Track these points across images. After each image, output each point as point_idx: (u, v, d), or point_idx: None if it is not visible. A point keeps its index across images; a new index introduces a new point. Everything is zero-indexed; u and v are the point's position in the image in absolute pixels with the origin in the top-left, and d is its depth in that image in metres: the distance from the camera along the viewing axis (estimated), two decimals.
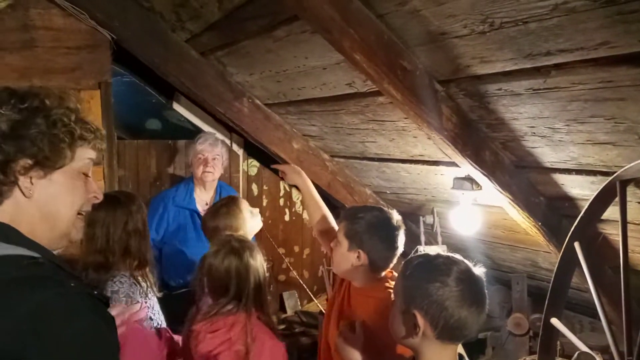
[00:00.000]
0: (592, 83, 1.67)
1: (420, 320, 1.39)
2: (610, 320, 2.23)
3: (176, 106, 3.75)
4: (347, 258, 2.07)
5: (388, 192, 3.73)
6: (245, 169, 3.96)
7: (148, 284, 2.20)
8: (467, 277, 1.39)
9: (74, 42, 3.13)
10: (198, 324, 1.96)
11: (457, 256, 1.45)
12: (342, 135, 3.20)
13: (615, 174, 1.96)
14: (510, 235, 3.20)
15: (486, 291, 1.43)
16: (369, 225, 2.11)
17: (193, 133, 3.74)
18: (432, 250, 3.10)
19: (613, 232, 2.49)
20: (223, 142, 3.58)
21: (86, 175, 1.16)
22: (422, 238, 3.31)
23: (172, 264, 3.28)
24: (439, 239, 3.23)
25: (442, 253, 1.51)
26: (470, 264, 1.43)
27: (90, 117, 3.07)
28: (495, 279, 4.02)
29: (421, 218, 3.34)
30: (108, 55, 3.24)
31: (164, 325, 2.25)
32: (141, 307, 1.79)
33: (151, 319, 2.19)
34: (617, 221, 2.32)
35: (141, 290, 2.14)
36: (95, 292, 1.03)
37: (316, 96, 2.86)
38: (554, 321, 2.29)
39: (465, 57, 1.90)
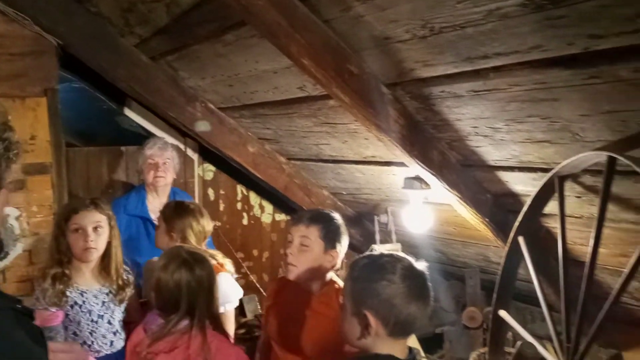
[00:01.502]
0: (527, 84, 1.75)
1: (372, 320, 1.42)
2: (558, 309, 2.34)
3: (128, 112, 3.69)
4: (321, 260, 2.08)
5: (345, 192, 3.78)
6: (201, 174, 3.92)
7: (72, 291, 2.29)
8: (411, 273, 1.44)
9: (18, 49, 3.04)
10: (152, 346, 1.89)
11: (400, 253, 1.50)
12: (296, 138, 3.23)
13: (553, 171, 2.05)
14: (461, 232, 3.29)
15: (430, 284, 1.48)
16: (340, 226, 2.16)
17: (146, 139, 3.69)
18: (386, 248, 3.17)
19: (555, 226, 2.61)
20: (173, 145, 3.54)
21: None
22: (377, 237, 3.37)
23: None
24: (394, 237, 3.29)
25: (385, 252, 1.56)
26: (412, 260, 1.48)
27: (37, 125, 2.97)
28: (450, 274, 4.13)
29: (376, 217, 3.40)
30: (54, 62, 3.16)
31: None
32: (51, 315, 1.81)
33: (66, 328, 2.21)
34: (570, 216, 2.44)
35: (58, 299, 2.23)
36: (19, 306, 1.01)
37: (269, 100, 2.88)
38: (502, 313, 2.38)
39: (409, 61, 1.96)
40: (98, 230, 2.36)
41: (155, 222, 2.99)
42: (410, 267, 1.45)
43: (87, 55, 3.11)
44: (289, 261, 2.10)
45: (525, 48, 1.61)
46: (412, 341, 3.23)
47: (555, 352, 1.89)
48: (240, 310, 4.05)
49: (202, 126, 3.27)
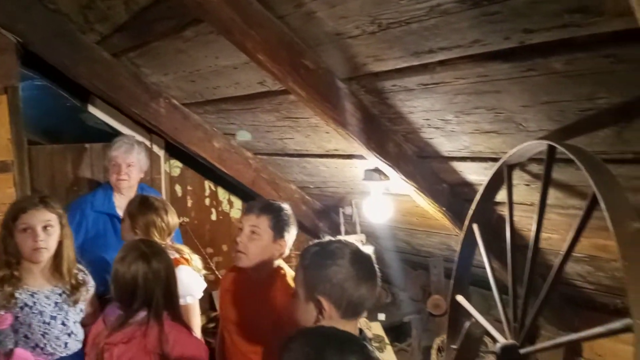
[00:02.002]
0: (471, 77, 1.83)
1: (326, 304, 1.48)
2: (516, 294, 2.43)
3: (92, 109, 3.67)
4: (270, 249, 2.17)
5: (311, 186, 3.84)
6: (168, 170, 3.93)
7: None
8: (359, 257, 1.51)
9: None
10: (110, 337, 1.92)
11: (348, 239, 1.56)
12: (261, 133, 3.27)
13: (501, 160, 2.14)
14: (423, 222, 3.38)
15: (376, 267, 1.54)
16: (289, 217, 2.24)
17: (112, 136, 3.68)
18: (349, 239, 3.24)
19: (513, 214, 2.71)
20: (141, 145, 3.53)
21: None
22: (342, 228, 3.44)
23: (93, 272, 3.22)
24: (358, 228, 3.36)
25: (334, 238, 1.62)
26: (359, 245, 1.55)
27: None
28: (417, 264, 4.23)
29: (340, 210, 3.47)
30: (14, 59, 3.13)
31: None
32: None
33: (16, 331, 2.18)
34: (517, 203, 2.54)
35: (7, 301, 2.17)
36: None
37: (231, 95, 2.91)
38: (459, 298, 2.47)
39: (361, 56, 2.02)
40: (48, 229, 2.27)
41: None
42: (358, 252, 1.52)
43: (47, 52, 3.10)
44: (238, 249, 2.19)
45: (467, 42, 1.68)
46: (377, 329, 3.33)
47: (504, 331, 1.98)
48: (210, 305, 4.09)
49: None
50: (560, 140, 1.85)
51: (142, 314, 1.91)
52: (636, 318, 1.25)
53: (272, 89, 2.61)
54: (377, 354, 0.97)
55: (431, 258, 3.81)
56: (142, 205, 2.68)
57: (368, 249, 1.56)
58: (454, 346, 2.14)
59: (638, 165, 1.87)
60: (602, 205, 1.43)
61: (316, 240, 1.62)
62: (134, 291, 1.91)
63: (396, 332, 4.30)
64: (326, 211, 4.02)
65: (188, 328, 2.07)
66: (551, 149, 1.81)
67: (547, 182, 1.86)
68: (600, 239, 2.28)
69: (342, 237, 1.60)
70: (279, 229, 2.23)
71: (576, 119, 1.78)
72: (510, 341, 1.88)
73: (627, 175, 1.95)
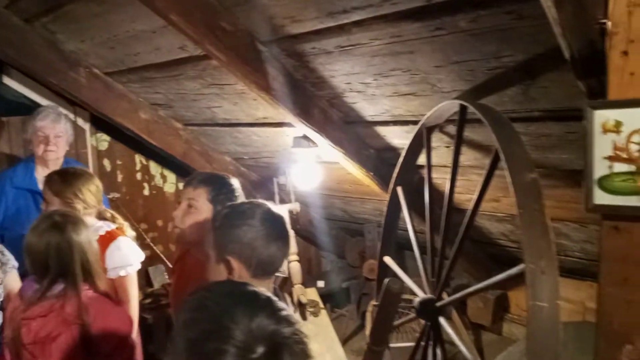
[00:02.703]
0: (385, 38, 1.83)
1: (235, 264, 1.47)
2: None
3: (7, 80, 3.44)
4: (209, 223, 2.08)
5: (246, 157, 3.79)
6: (95, 144, 3.77)
7: None
8: (270, 216, 1.50)
9: None
10: (27, 311, 1.84)
11: (259, 200, 1.55)
12: (188, 102, 3.18)
13: (420, 123, 2.18)
14: (357, 189, 3.42)
15: (288, 227, 1.54)
16: (231, 189, 2.14)
17: (31, 109, 3.47)
18: (285, 208, 3.24)
19: (435, 176, 2.78)
20: (67, 116, 3.36)
21: None
22: (277, 198, 3.43)
23: (14, 250, 3.07)
24: (292, 197, 3.36)
25: (249, 200, 1.60)
26: (270, 205, 1.54)
27: None
28: (355, 231, 4.30)
29: (275, 179, 3.45)
30: None
31: None
32: None
33: None
34: (439, 166, 2.60)
35: None
36: None
37: (153, 62, 2.80)
38: (386, 259, 2.52)
39: (278, 17, 1.98)
40: None
41: None
42: (269, 212, 1.51)
43: None
44: (175, 224, 2.09)
45: (378, 1, 1.67)
46: (313, 295, 3.37)
47: (423, 286, 2.05)
48: (147, 280, 4.01)
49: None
50: (473, 100, 1.89)
51: (60, 286, 1.84)
52: (528, 262, 1.32)
53: (193, 54, 2.53)
54: (290, 311, 0.94)
55: (366, 224, 3.88)
56: (62, 177, 2.55)
57: (280, 210, 1.55)
58: (374, 303, 2.19)
59: (545, 123, 1.95)
60: (502, 156, 1.48)
61: (231, 203, 1.60)
62: (46, 262, 1.82)
63: (336, 298, 4.39)
64: (263, 182, 3.99)
65: (113, 300, 2.01)
66: (462, 109, 1.85)
67: (459, 141, 1.91)
68: None
69: (257, 200, 1.58)
70: (218, 202, 2.10)
71: (485, 78, 1.83)
72: (428, 295, 1.94)
73: (535, 132, 2.03)
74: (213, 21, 2.04)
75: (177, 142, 3.58)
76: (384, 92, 2.16)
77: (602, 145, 1.25)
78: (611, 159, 1.25)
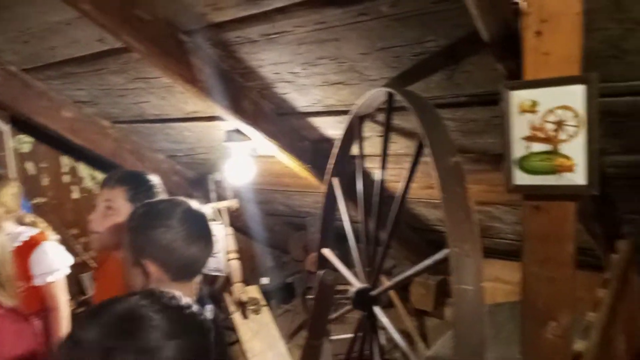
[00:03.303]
0: (309, 25, 1.79)
1: (152, 268, 1.38)
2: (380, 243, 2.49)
3: None
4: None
5: (180, 154, 3.66)
6: (16, 146, 3.53)
7: None
8: (190, 215, 1.42)
9: None
10: None
11: (180, 198, 1.47)
12: (114, 98, 3.02)
13: (351, 112, 2.15)
14: (297, 182, 3.38)
15: (210, 225, 1.47)
16: (152, 187, 2.02)
17: None
18: (222, 205, 3.15)
19: (371, 166, 2.78)
20: None
21: None
22: (212, 195, 3.33)
23: None
24: (229, 194, 3.28)
25: (166, 198, 1.52)
26: (192, 203, 1.46)
27: None
28: (299, 225, 4.26)
29: (209, 176, 3.35)
30: None
31: None
32: None
33: None
34: (373, 155, 2.59)
35: None
36: None
37: (72, 56, 2.63)
38: (325, 251, 2.49)
39: (199, 5, 1.89)
40: None
41: None
42: (189, 210, 1.43)
43: None
44: (90, 228, 1.95)
45: None
46: (253, 292, 3.30)
47: (359, 276, 2.03)
48: (79, 288, 3.81)
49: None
50: (400, 87, 1.88)
51: None
52: (452, 246, 1.31)
53: (114, 47, 2.39)
54: (197, 310, 0.88)
55: (308, 217, 3.84)
56: None
57: (201, 207, 1.47)
58: (310, 296, 2.15)
59: (472, 108, 1.97)
60: (425, 142, 1.47)
61: (147, 201, 1.50)
62: None
63: (283, 294, 4.34)
64: (201, 180, 3.87)
65: (19, 314, 1.87)
66: (390, 97, 1.84)
67: (388, 129, 1.89)
68: None
69: (176, 197, 1.49)
70: (138, 201, 1.98)
71: (411, 64, 1.82)
72: (362, 285, 1.93)
73: (463, 118, 2.05)
74: (129, 10, 1.93)
75: (105, 141, 3.40)
76: (314, 81, 2.12)
77: (519, 126, 1.26)
78: (529, 139, 1.25)
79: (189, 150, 3.50)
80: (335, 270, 2.36)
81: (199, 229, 1.43)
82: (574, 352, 1.61)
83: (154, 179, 2.09)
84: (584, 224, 2.25)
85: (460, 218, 1.33)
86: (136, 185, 1.96)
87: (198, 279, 1.52)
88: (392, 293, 3.45)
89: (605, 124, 1.70)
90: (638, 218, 2.26)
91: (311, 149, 2.71)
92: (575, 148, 1.21)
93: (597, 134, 1.18)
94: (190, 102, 2.72)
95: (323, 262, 2.57)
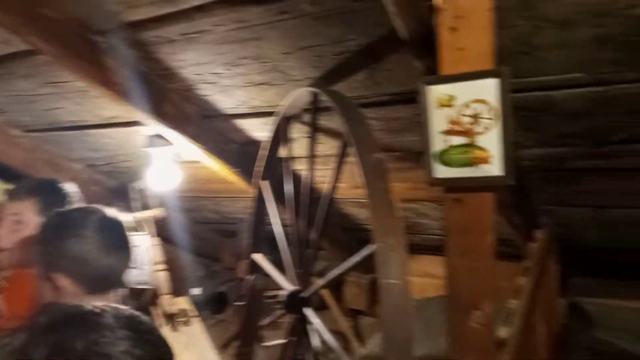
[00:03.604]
0: (229, 24, 1.74)
1: (64, 281, 1.28)
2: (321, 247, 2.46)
3: None
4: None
5: (100, 163, 3.47)
6: None
7: None
8: (106, 224, 1.33)
9: None
10: None
11: (95, 205, 1.37)
12: (24, 105, 2.81)
13: (277, 114, 2.12)
14: (225, 187, 3.30)
15: (127, 234, 1.38)
16: (65, 197, 1.88)
17: None
18: (146, 215, 3.02)
19: (300, 167, 2.76)
20: None
21: None
22: (135, 205, 3.18)
23: None
24: (153, 202, 3.14)
25: (80, 206, 1.42)
26: (108, 211, 1.37)
27: None
28: (231, 232, 4.17)
29: (130, 184, 3.20)
30: None
31: None
32: None
33: None
34: (303, 157, 2.57)
35: None
36: None
37: None
38: (256, 257, 2.44)
39: (112, 3, 1.79)
40: None
41: None
42: (105, 218, 1.34)
43: None
44: None
45: None
46: (182, 303, 3.18)
47: (290, 279, 2.00)
48: None
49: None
50: (325, 87, 1.87)
51: None
52: (377, 241, 1.32)
53: (20, 49, 2.22)
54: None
55: (239, 224, 3.77)
56: None
57: (118, 214, 1.38)
58: (239, 303, 2.10)
59: (394, 107, 2.00)
60: (349, 140, 1.47)
61: (58, 209, 1.40)
62: None
63: (215, 304, 4.22)
64: (123, 189, 3.68)
65: None
66: (314, 97, 1.83)
67: (314, 129, 1.88)
68: None
69: (91, 205, 1.39)
70: (45, 212, 1.85)
71: (333, 63, 1.82)
72: (293, 287, 1.90)
73: (386, 117, 2.08)
74: (33, 8, 1.80)
75: (15, 152, 3.16)
76: (237, 82, 2.08)
77: (438, 120, 1.28)
78: (447, 133, 1.28)
79: (109, 158, 3.33)
80: (266, 275, 2.32)
81: (116, 238, 1.35)
82: (498, 339, 1.67)
83: (68, 187, 1.95)
84: (504, 215, 2.35)
85: (384, 213, 1.34)
86: (47, 195, 1.82)
87: (120, 292, 1.43)
88: (325, 294, 3.45)
89: (518, 119, 1.78)
90: (553, 209, 2.39)
91: (238, 152, 2.65)
92: (491, 140, 1.25)
93: (511, 126, 1.23)
94: (108, 107, 2.58)
95: (254, 268, 2.52)
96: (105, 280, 1.33)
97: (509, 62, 1.43)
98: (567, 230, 2.49)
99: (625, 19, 1.29)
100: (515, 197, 2.23)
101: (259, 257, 2.45)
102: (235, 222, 3.94)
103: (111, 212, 1.38)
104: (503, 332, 1.74)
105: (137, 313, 0.79)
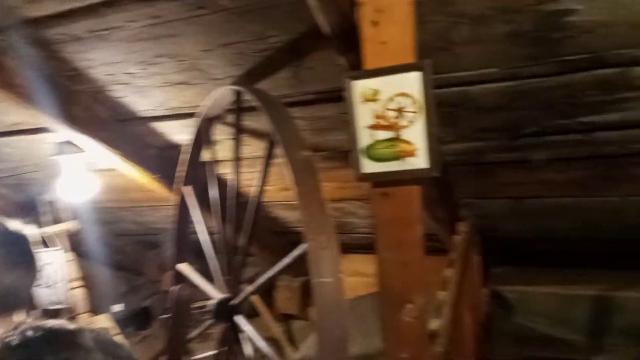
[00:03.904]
0: (142, 20, 1.64)
1: None
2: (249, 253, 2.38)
3: None
4: None
5: (3, 175, 3.18)
6: None
7: None
8: (6, 238, 1.20)
9: None
10: None
11: (53, 229, 1.23)
12: None
13: (198, 115, 2.04)
14: (146, 196, 3.13)
15: (33, 249, 1.26)
16: None
17: None
18: (57, 228, 2.80)
19: (226, 171, 2.67)
20: None
21: None
22: (45, 219, 2.95)
23: None
24: (66, 215, 2.92)
25: None
26: (10, 223, 1.24)
27: None
28: (153, 243, 3.98)
29: (38, 197, 2.96)
30: None
31: None
32: None
33: None
34: (228, 160, 2.49)
35: None
36: None
37: None
38: (181, 267, 2.33)
39: None
40: None
41: None
42: (5, 232, 1.20)
43: None
44: None
45: None
46: (102, 322, 2.99)
47: (219, 287, 1.92)
48: None
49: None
50: (248, 85, 1.82)
51: None
52: (309, 240, 1.29)
53: None
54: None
55: (162, 234, 3.60)
56: None
57: (20, 227, 1.25)
58: (165, 316, 1.99)
59: (320, 105, 1.98)
60: (276, 138, 1.43)
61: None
62: None
63: (139, 320, 4.00)
64: (31, 202, 3.40)
65: None
66: (237, 95, 1.77)
67: (238, 129, 1.82)
68: None
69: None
70: None
71: (256, 61, 1.77)
72: (222, 295, 1.82)
73: (312, 116, 2.06)
74: None
75: None
76: (153, 82, 1.97)
77: (363, 115, 1.27)
78: (373, 127, 1.27)
79: (14, 169, 3.06)
80: (193, 285, 2.22)
81: (18, 253, 1.21)
82: (430, 331, 1.69)
83: None
84: (428, 210, 2.41)
85: (314, 211, 1.31)
86: None
87: (27, 313, 1.29)
88: (256, 300, 3.37)
89: (439, 114, 1.82)
90: (473, 201, 2.48)
91: (158, 157, 2.52)
92: (416, 133, 1.25)
93: (434, 119, 1.24)
94: (11, 112, 2.37)
95: (180, 278, 2.41)
96: (8, 300, 1.19)
97: (428, 57, 1.45)
98: (487, 222, 2.60)
99: (535, 14, 1.35)
100: (438, 192, 2.29)
101: (184, 267, 2.34)
102: (158, 233, 3.76)
103: (14, 224, 1.25)
104: (434, 324, 1.77)
105: (116, 339, 0.76)
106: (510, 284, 2.81)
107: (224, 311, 1.79)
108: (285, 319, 3.62)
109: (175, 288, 1.66)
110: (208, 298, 2.06)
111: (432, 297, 1.86)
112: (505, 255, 2.89)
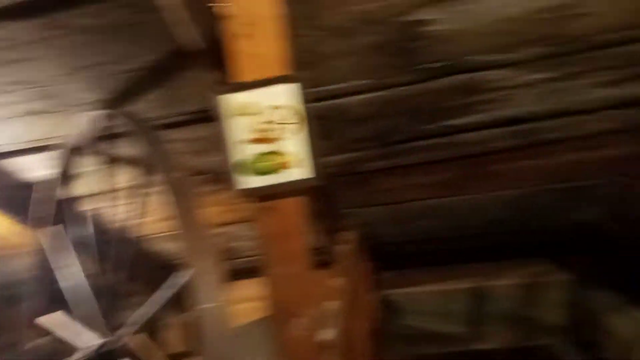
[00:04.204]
0: None
1: None
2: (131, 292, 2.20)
3: None
4: None
5: None
6: None
7: None
8: None
9: None
10: None
11: None
12: None
13: (61, 146, 1.88)
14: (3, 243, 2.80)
15: None
16: None
17: None
18: None
19: (102, 205, 2.49)
20: None
21: None
22: None
23: None
24: None
25: None
26: None
27: None
28: (11, 298, 3.55)
29: None
30: None
31: None
32: None
33: None
34: (103, 193, 2.31)
35: None
36: None
37: None
38: (42, 320, 2.09)
39: None
40: None
41: None
42: None
43: None
44: None
45: None
46: None
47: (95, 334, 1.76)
48: None
49: None
50: (115, 110, 1.72)
51: None
52: (191, 266, 1.23)
53: None
54: None
55: (23, 285, 3.22)
56: None
57: None
58: None
59: (195, 126, 1.94)
60: (151, 162, 1.37)
61: None
62: None
63: None
64: None
65: None
66: (104, 121, 1.67)
67: (109, 158, 1.72)
68: None
69: None
70: None
71: (123, 83, 1.69)
72: (98, 342, 1.66)
73: (189, 138, 2.01)
74: None
75: None
76: (9, 112, 1.79)
77: (238, 130, 1.26)
78: (250, 142, 1.27)
79: None
80: (61, 338, 2.00)
81: None
82: (323, 343, 1.70)
83: None
84: (312, 224, 2.45)
85: (194, 236, 1.26)
86: None
87: None
88: (143, 343, 3.15)
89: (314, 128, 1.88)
90: (354, 211, 2.57)
91: (13, 197, 2.27)
92: (297, 144, 1.27)
93: (314, 128, 1.27)
94: None
95: (45, 332, 2.17)
96: None
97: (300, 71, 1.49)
98: (370, 230, 2.71)
99: (396, 25, 1.45)
100: (322, 204, 2.34)
101: (46, 320, 2.11)
102: (17, 285, 3.37)
103: None
104: (327, 334, 1.78)
105: None
106: (397, 287, 2.95)
107: (105, 357, 1.64)
108: (177, 358, 3.43)
109: (39, 343, 1.48)
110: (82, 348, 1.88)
111: (323, 308, 1.88)
112: (391, 259, 3.03)
